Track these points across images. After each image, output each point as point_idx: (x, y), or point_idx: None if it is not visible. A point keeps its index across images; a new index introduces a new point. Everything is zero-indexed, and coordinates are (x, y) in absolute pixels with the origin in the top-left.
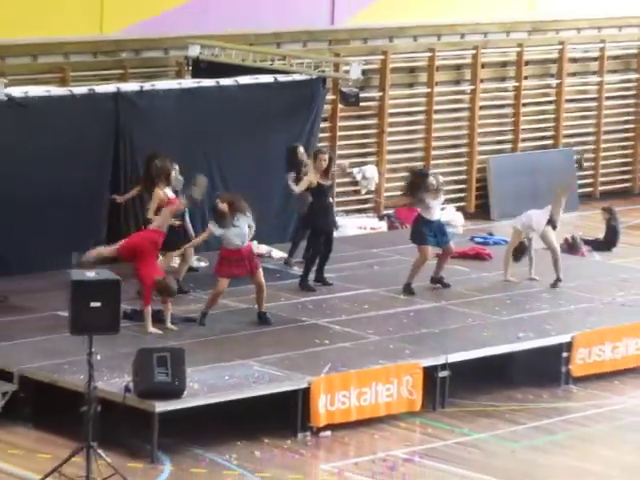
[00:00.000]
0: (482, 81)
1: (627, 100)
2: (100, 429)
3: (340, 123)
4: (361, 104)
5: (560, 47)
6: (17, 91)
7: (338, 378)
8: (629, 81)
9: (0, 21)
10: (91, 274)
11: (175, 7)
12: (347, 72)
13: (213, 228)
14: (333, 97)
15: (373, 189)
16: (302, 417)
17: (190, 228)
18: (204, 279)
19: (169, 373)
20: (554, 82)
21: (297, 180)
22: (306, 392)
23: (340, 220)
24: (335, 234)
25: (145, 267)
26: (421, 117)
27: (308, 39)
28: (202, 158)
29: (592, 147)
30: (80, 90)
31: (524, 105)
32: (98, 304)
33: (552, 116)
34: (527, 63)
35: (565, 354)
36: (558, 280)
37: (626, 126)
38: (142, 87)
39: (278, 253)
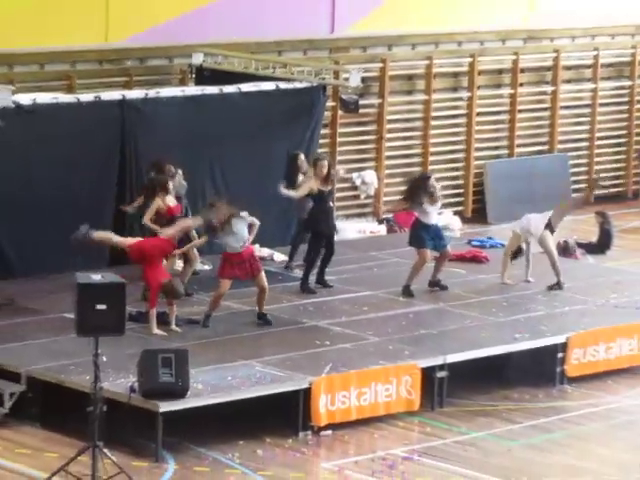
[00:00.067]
0: (479, 88)
1: (620, 107)
2: (106, 429)
3: (340, 129)
4: (360, 111)
5: (555, 55)
6: (25, 98)
7: (338, 378)
8: (622, 88)
9: (9, 31)
10: (97, 277)
11: (179, 16)
12: (347, 80)
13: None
14: (333, 104)
15: (372, 194)
16: (303, 416)
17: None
18: (208, 282)
19: (173, 374)
20: (549, 89)
21: (292, 185)
22: (307, 392)
23: (340, 224)
24: (335, 238)
25: (152, 270)
26: (419, 123)
27: (309, 47)
28: (205, 163)
29: (586, 152)
30: (86, 97)
31: (520, 111)
32: (104, 306)
33: (547, 122)
34: (523, 70)
35: (560, 355)
36: (558, 284)
37: (619, 132)
38: (147, 94)
39: (280, 256)
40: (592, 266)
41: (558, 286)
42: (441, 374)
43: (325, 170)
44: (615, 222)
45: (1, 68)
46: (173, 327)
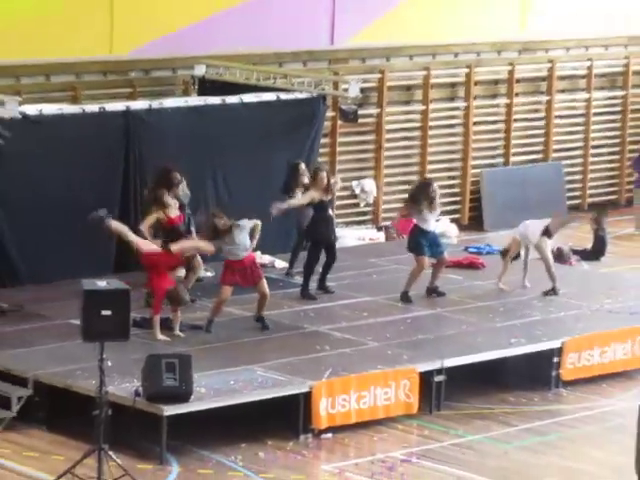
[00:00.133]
0: (475, 98)
1: (613, 116)
2: (111, 432)
3: (340, 139)
4: (359, 121)
5: (549, 65)
6: (31, 109)
7: (338, 382)
8: (615, 98)
9: (15, 42)
10: (102, 283)
11: (181, 29)
12: (346, 90)
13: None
14: (333, 114)
15: (371, 202)
16: (304, 420)
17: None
18: (210, 288)
19: (177, 378)
20: (544, 99)
21: (290, 194)
22: (308, 396)
23: (340, 231)
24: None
25: (157, 278)
26: (417, 133)
27: (309, 59)
28: (208, 172)
29: (580, 161)
30: (91, 108)
31: (515, 121)
32: (109, 312)
33: (542, 131)
34: (518, 81)
35: (555, 359)
36: (554, 289)
37: (612, 141)
38: (150, 105)
39: (281, 263)
40: (587, 272)
41: (553, 292)
42: (439, 378)
43: (325, 180)
44: (609, 229)
45: (8, 79)
46: (177, 332)
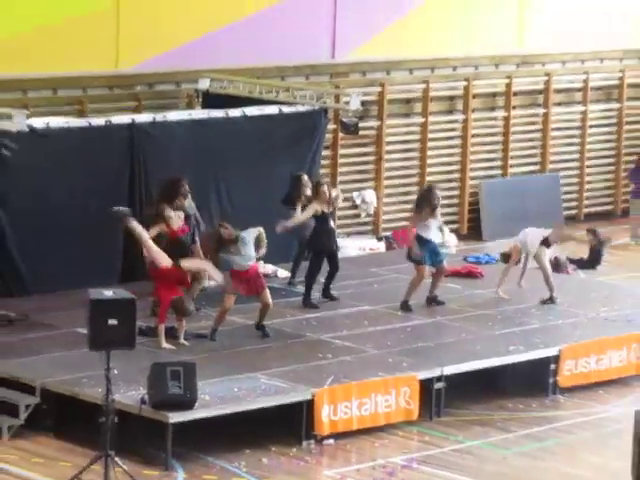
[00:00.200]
0: (473, 111)
1: (609, 128)
2: (117, 439)
3: (341, 151)
4: (360, 133)
5: (546, 79)
6: (38, 122)
7: (340, 389)
8: (611, 110)
9: (23, 57)
10: (109, 293)
11: (186, 44)
12: (347, 103)
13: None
14: (334, 127)
15: (372, 212)
16: (306, 426)
17: (199, 248)
18: (214, 297)
19: (182, 386)
20: (541, 111)
21: (292, 205)
22: (310, 403)
23: (341, 242)
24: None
25: (163, 288)
26: (416, 145)
27: (310, 72)
28: (212, 184)
29: (577, 172)
30: (97, 121)
31: (513, 133)
32: (115, 321)
33: (539, 143)
34: (515, 94)
35: (553, 366)
36: (551, 298)
37: (608, 152)
38: (155, 118)
39: (283, 273)
40: (583, 281)
41: (551, 300)
42: (438, 385)
43: (327, 194)
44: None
45: (16, 93)
46: (181, 341)
